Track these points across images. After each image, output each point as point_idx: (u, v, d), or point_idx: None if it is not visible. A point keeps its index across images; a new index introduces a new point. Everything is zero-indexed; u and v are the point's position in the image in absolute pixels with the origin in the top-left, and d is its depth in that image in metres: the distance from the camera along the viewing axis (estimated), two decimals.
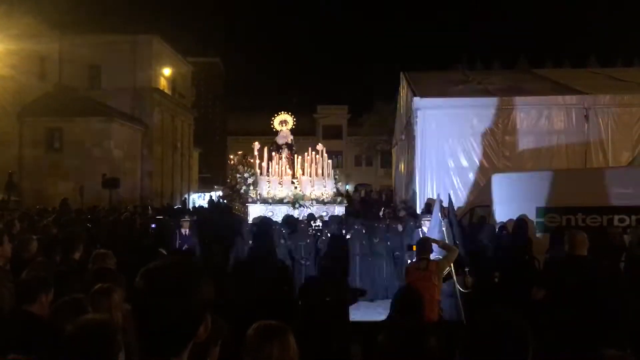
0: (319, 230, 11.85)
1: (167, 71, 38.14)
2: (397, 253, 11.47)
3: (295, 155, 15.98)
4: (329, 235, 11.03)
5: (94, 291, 3.57)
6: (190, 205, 31.94)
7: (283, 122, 16.78)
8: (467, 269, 5.92)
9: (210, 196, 37.48)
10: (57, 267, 5.31)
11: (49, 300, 3.69)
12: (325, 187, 14.73)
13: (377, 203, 24.23)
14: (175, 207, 25.86)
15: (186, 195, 39.98)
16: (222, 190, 22.70)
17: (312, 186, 14.64)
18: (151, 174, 35.20)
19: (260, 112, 50.42)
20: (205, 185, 47.57)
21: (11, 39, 27.73)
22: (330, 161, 15.76)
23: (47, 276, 4.01)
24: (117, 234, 11.84)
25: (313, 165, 15.21)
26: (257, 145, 15.61)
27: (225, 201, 18.86)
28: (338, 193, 15.33)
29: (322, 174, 15.10)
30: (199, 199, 42.19)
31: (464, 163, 16.66)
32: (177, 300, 1.62)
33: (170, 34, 38.57)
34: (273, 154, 15.60)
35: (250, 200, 14.21)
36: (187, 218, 11.39)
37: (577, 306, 4.99)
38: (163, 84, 38.07)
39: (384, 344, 3.70)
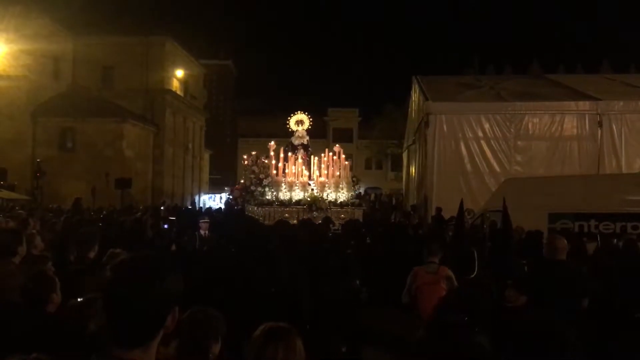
0: (336, 233, 11.65)
1: (179, 73, 38.35)
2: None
3: (312, 157, 15.55)
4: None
5: None
6: (201, 207, 31.96)
7: (299, 122, 16.29)
8: (510, 282, 5.47)
9: (227, 198, 37.31)
10: (72, 266, 5.35)
11: (59, 298, 3.71)
12: (343, 189, 14.25)
13: (388, 207, 24.20)
14: (185, 209, 25.93)
15: (196, 197, 40.07)
16: (232, 192, 22.51)
17: (329, 188, 14.16)
18: (162, 175, 35.38)
19: (271, 115, 50.55)
20: (215, 187, 47.70)
21: (26, 39, 28.04)
22: (347, 163, 15.34)
23: (47, 271, 4.02)
24: (129, 234, 11.86)
25: (330, 167, 14.72)
26: (273, 145, 15.06)
27: (236, 202, 18.64)
28: (356, 196, 14.94)
29: (340, 177, 14.56)
30: (209, 200, 42.29)
31: (476, 168, 16.63)
32: (141, 291, 1.65)
33: (183, 36, 38.83)
34: (289, 154, 15.10)
35: (265, 202, 13.97)
36: (206, 219, 11.23)
37: (555, 311, 4.97)
38: (175, 85, 38.27)
39: (429, 342, 3.60)
